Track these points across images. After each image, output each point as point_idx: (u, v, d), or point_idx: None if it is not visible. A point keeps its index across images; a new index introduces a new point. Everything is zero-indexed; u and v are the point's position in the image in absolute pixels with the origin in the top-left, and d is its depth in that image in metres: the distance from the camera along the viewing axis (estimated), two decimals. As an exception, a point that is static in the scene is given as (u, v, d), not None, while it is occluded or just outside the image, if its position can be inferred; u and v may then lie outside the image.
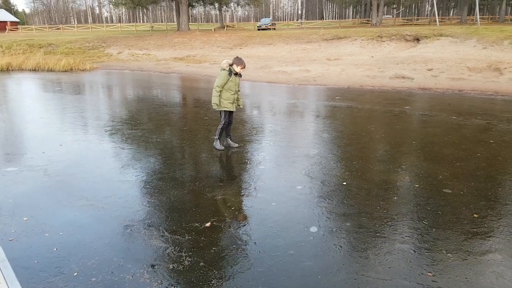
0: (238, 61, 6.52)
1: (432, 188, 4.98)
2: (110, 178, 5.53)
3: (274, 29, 44.06)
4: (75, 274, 3.32)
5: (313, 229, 4.01)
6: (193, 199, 4.81)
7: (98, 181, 5.41)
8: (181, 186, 5.18)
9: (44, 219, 4.28)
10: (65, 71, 21.14)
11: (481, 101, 10.95)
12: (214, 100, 6.51)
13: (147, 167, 5.98)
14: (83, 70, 21.85)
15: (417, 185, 5.07)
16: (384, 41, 22.93)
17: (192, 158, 6.51)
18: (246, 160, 6.27)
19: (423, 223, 4.08)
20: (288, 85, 15.15)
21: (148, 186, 5.23)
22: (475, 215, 4.20)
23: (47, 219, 4.28)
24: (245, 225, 4.13)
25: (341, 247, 3.69)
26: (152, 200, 4.76)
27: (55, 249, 3.70)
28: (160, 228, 4.07)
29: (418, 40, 21.80)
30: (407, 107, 10.41)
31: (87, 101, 12.25)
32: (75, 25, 54.80)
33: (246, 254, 3.58)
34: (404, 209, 4.41)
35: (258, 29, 43.48)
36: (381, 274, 3.24)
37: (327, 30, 33.37)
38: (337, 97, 11.85)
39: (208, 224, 4.13)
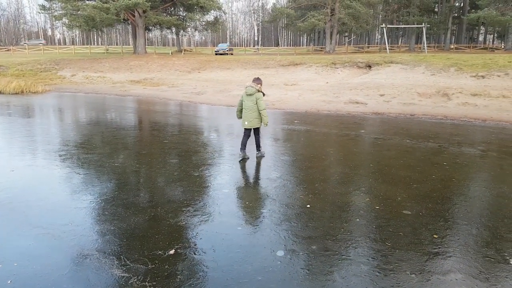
0: (260, 81, 7.38)
1: (392, 209, 5.13)
2: (66, 205, 5.25)
3: (232, 54, 44.69)
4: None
5: (280, 253, 3.99)
6: (155, 226, 4.65)
7: (53, 208, 5.11)
8: (141, 212, 5.00)
9: (-5, 250, 3.98)
10: (16, 93, 20.19)
11: (432, 125, 11.56)
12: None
13: (104, 193, 5.74)
14: (34, 92, 20.96)
15: (377, 207, 5.20)
16: (337, 68, 23.84)
17: (152, 183, 6.33)
18: (209, 184, 6.18)
19: (386, 244, 4.17)
20: (248, 109, 15.27)
21: (106, 213, 5.00)
22: (435, 236, 4.35)
23: (-2, 250, 3.98)
24: (211, 251, 4.03)
25: (308, 270, 3.68)
26: (112, 228, 4.56)
27: (9, 282, 3.45)
28: (121, 257, 3.89)
29: (370, 67, 22.85)
30: (363, 131, 10.78)
31: (39, 125, 11.71)
32: (26, 47, 52.72)
33: (213, 281, 3.49)
34: (367, 231, 4.50)
35: (216, 54, 43.95)
36: (350, 297, 3.26)
37: (283, 56, 34.28)
38: (295, 121, 12.09)
39: (172, 252, 3.99)
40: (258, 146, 7.72)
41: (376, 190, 5.84)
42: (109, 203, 5.29)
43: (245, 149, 7.57)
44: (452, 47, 49.23)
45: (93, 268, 3.68)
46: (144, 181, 6.47)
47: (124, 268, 3.68)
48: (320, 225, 4.66)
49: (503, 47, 47.86)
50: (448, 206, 5.26)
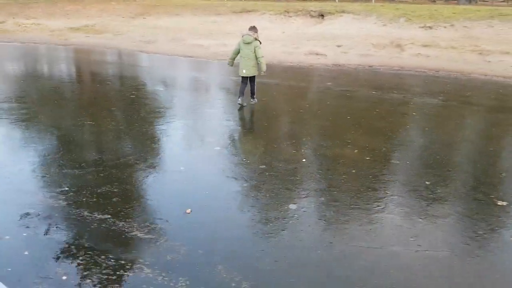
0: (256, 29, 7.76)
1: (381, 159, 5.46)
2: (58, 171, 5.00)
3: (176, -1, 42.23)
4: (64, 278, 3.04)
5: (293, 206, 4.17)
6: (159, 186, 4.64)
7: (42, 174, 4.88)
8: (141, 173, 4.91)
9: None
10: None
11: (391, 76, 12.05)
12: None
13: (91, 155, 5.52)
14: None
15: (367, 158, 5.49)
16: (291, 17, 23.56)
17: (139, 142, 6.13)
18: (198, 142, 6.14)
19: (386, 192, 4.50)
20: (207, 60, 14.85)
21: (101, 174, 4.84)
22: (427, 182, 4.74)
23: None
24: (226, 209, 4.11)
25: (325, 221, 3.92)
26: (115, 190, 4.45)
27: (26, 253, 3.33)
28: (137, 219, 3.88)
29: (323, 16, 22.86)
30: (329, 83, 10.99)
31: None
32: None
33: (242, 239, 3.61)
34: (366, 181, 4.79)
35: (159, -1, 41.27)
36: (371, 243, 3.54)
37: (234, 1, 33.13)
38: (261, 73, 12.03)
39: (188, 211, 4.03)
40: (252, 94, 8.06)
41: (360, 142, 6.12)
42: (102, 166, 5.10)
43: (243, 96, 7.87)
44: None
45: (113, 233, 3.62)
46: (129, 140, 6.28)
47: (146, 230, 3.67)
48: (321, 177, 4.88)
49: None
50: (428, 154, 5.67)
